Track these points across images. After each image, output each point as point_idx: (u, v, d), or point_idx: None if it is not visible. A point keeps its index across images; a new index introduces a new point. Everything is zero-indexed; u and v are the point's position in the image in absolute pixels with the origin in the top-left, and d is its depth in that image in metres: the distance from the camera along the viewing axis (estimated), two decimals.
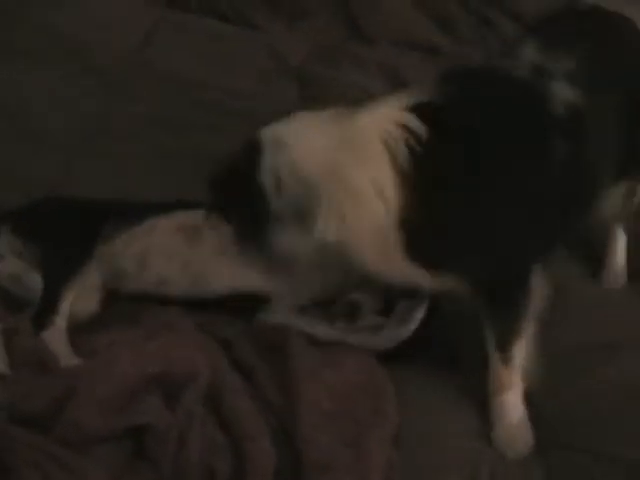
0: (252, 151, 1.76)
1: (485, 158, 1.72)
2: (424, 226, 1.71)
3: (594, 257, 2.30)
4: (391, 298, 1.96)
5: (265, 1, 3.35)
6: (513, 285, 1.81)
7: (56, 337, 1.85)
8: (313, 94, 2.89)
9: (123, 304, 2.00)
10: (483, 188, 1.73)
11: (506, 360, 1.83)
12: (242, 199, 1.77)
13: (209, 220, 1.95)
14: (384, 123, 1.72)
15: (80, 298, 1.94)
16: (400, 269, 1.76)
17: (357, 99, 1.82)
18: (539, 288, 1.82)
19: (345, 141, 1.71)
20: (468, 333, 1.92)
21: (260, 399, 1.76)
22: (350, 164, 1.70)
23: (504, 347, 1.82)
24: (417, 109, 1.73)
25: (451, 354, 1.97)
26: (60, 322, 1.87)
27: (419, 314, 1.90)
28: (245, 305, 1.98)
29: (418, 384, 1.88)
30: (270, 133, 1.77)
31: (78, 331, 1.89)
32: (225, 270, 1.99)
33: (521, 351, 1.83)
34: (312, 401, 1.73)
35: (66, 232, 2.01)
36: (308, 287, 1.98)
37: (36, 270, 1.96)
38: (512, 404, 1.84)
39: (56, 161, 2.49)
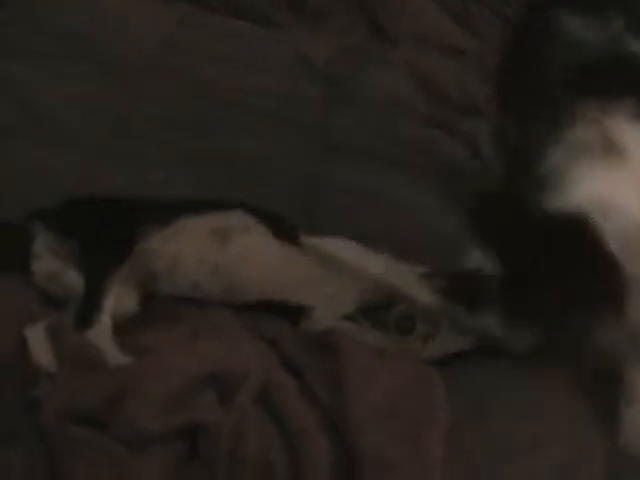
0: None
1: None
2: None
3: None
4: None
5: (288, 1, 3.34)
6: None
7: (102, 335, 1.83)
8: (339, 95, 2.90)
9: (164, 303, 1.98)
10: None
11: None
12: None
13: (240, 223, 1.97)
14: None
15: (120, 297, 1.92)
16: None
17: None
18: None
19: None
20: None
21: (311, 397, 1.75)
22: None
23: None
24: None
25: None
26: (105, 320, 1.85)
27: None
28: (287, 308, 1.97)
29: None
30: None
31: (120, 331, 1.87)
32: (253, 278, 1.97)
33: None
34: (365, 398, 1.73)
35: (104, 229, 1.99)
36: (341, 301, 1.96)
37: (73, 268, 1.94)
38: None
39: (73, 162, 2.46)
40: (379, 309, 1.93)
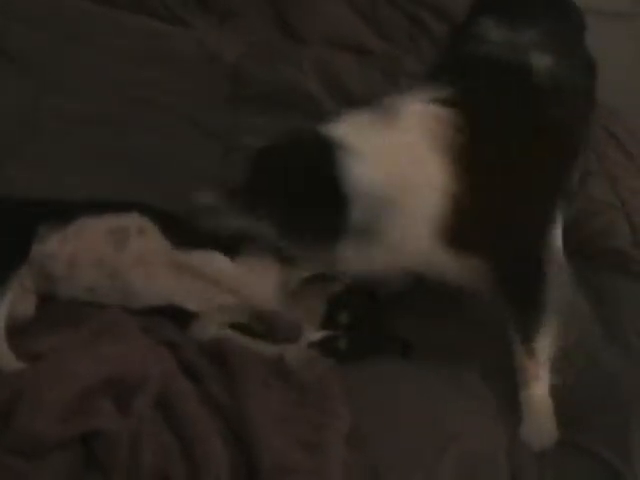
0: (318, 151, 1.82)
1: (508, 139, 1.88)
2: (469, 211, 1.81)
3: None
4: (331, 311, 1.96)
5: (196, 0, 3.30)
6: (532, 272, 1.88)
7: None
8: (247, 92, 2.87)
9: (61, 306, 1.95)
10: (510, 166, 1.87)
11: (530, 353, 1.87)
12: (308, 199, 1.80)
13: (136, 225, 1.96)
14: (427, 120, 1.85)
15: (16, 301, 1.87)
16: (438, 258, 1.84)
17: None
18: (559, 279, 1.88)
19: (402, 146, 1.83)
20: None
21: (209, 403, 1.74)
22: (410, 169, 1.81)
23: (527, 339, 1.87)
24: (444, 102, 1.88)
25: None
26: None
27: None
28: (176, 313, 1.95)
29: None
30: (336, 133, 1.83)
31: (15, 334, 1.82)
32: (146, 282, 1.95)
33: (545, 344, 1.87)
34: (262, 405, 1.73)
35: (0, 233, 1.93)
36: (229, 310, 1.96)
37: None
38: (539, 397, 1.88)
39: None
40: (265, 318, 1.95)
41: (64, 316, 1.90)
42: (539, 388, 1.89)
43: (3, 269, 1.87)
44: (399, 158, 1.82)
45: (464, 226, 1.83)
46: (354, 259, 1.83)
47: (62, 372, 1.64)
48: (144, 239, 1.97)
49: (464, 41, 2.12)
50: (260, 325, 1.97)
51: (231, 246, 1.98)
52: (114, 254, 1.95)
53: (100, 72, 2.82)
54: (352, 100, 2.90)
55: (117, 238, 1.97)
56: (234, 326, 1.94)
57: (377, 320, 2.02)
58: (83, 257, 1.94)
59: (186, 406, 1.68)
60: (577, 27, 2.22)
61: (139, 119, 2.67)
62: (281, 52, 3.08)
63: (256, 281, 1.97)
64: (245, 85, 2.92)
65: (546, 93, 1.97)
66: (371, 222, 1.79)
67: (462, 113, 1.86)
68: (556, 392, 1.91)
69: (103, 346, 1.73)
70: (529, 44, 2.00)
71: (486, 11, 2.13)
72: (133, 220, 2.00)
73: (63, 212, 2.01)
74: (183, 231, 2.01)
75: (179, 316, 1.94)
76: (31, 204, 2.05)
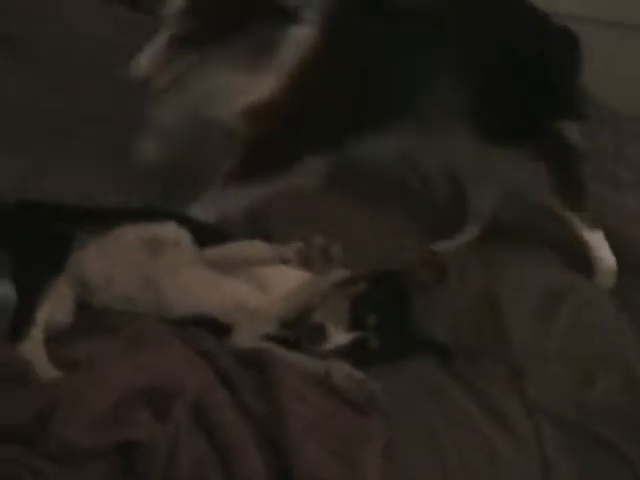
0: None
1: None
2: None
3: None
4: (357, 315, 1.93)
5: None
6: None
7: (34, 349, 1.79)
8: None
9: (97, 314, 1.95)
10: None
11: None
12: None
13: (172, 236, 1.98)
14: None
15: (53, 309, 1.88)
16: None
17: None
18: None
19: None
20: None
21: (245, 412, 1.73)
22: None
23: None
24: None
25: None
26: (37, 333, 1.81)
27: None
28: (213, 325, 1.95)
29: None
30: None
31: (52, 342, 1.83)
32: (179, 293, 1.95)
33: None
34: (299, 416, 1.72)
35: (38, 240, 1.95)
36: (263, 320, 1.95)
37: (6, 279, 1.88)
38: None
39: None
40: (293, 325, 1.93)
41: (101, 324, 1.91)
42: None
43: (41, 276, 1.88)
44: None
45: None
46: None
47: (98, 381, 1.64)
48: (179, 250, 1.98)
49: None
50: (286, 330, 1.96)
51: None
52: (149, 263, 1.96)
53: None
54: None
55: (153, 248, 1.97)
56: (270, 338, 1.93)
57: (407, 320, 1.99)
58: (120, 265, 1.95)
59: (222, 415, 1.68)
60: None
61: None
62: None
63: (282, 278, 1.97)
64: None
65: None
66: None
67: None
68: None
69: (139, 355, 1.74)
70: None
71: None
72: (169, 231, 2.00)
73: (101, 219, 2.02)
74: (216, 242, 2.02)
75: (215, 327, 1.94)
76: (70, 210, 2.06)
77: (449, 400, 1.94)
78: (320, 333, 1.89)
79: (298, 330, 1.91)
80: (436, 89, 2.22)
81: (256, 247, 1.98)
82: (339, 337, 1.90)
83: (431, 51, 2.20)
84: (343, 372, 1.84)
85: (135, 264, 1.96)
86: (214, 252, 1.98)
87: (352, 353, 1.90)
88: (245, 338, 1.92)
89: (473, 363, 2.03)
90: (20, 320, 1.81)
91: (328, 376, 1.84)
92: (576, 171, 2.39)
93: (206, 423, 1.66)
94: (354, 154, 2.26)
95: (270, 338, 1.92)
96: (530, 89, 2.28)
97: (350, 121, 2.19)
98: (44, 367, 1.74)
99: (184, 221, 2.05)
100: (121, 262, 1.96)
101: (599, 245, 2.39)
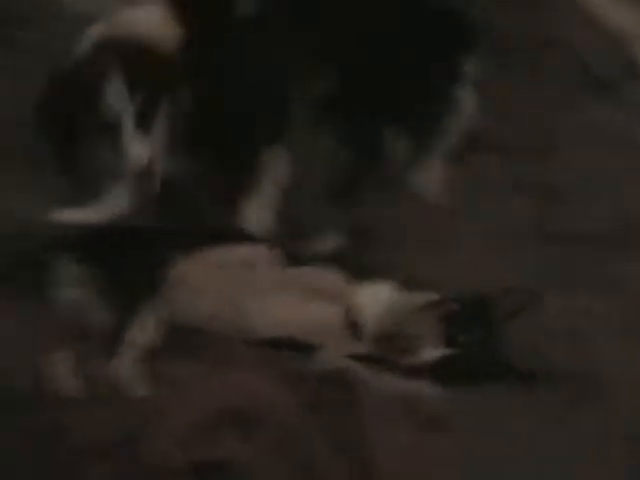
0: None
1: None
2: None
3: None
4: (447, 333, 1.95)
5: None
6: None
7: (125, 366, 1.85)
8: None
9: (186, 335, 1.97)
10: None
11: None
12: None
13: (264, 257, 2.02)
14: None
15: (144, 328, 1.93)
16: None
17: None
18: None
19: None
20: None
21: (328, 434, 1.75)
22: None
23: None
24: None
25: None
26: (129, 351, 1.87)
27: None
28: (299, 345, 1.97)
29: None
30: None
31: (142, 361, 1.88)
32: (267, 314, 1.98)
33: None
34: (386, 438, 1.74)
35: (133, 262, 2.01)
36: (350, 341, 1.97)
37: (102, 299, 1.96)
38: None
39: None
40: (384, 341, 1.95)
41: (189, 344, 1.94)
42: None
43: (134, 297, 1.94)
44: None
45: None
46: None
47: (185, 401, 1.70)
48: (269, 271, 2.01)
49: None
50: (379, 346, 1.97)
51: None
52: (237, 284, 1.99)
53: None
54: None
55: (242, 268, 2.01)
56: (357, 358, 1.94)
57: (495, 341, 1.99)
58: (207, 286, 1.99)
59: (307, 437, 1.70)
60: None
61: None
62: None
63: (367, 298, 1.99)
64: None
65: None
66: None
67: None
68: None
69: (226, 376, 1.78)
70: None
71: None
72: (260, 252, 2.04)
73: (189, 240, 2.07)
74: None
75: (301, 348, 1.96)
76: (162, 234, 2.12)
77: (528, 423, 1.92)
78: (412, 349, 1.91)
79: (390, 345, 1.93)
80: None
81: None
82: (429, 353, 1.92)
83: None
84: (429, 391, 1.85)
85: (223, 285, 1.99)
86: (299, 274, 2.01)
87: (440, 370, 1.92)
88: (330, 359, 1.93)
89: (556, 386, 2.01)
90: (113, 338, 1.88)
91: (416, 397, 1.85)
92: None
93: (291, 444, 1.69)
94: None
95: (355, 358, 1.93)
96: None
97: None
98: (134, 384, 1.80)
99: (276, 244, 2.09)
100: (208, 282, 1.99)
101: None
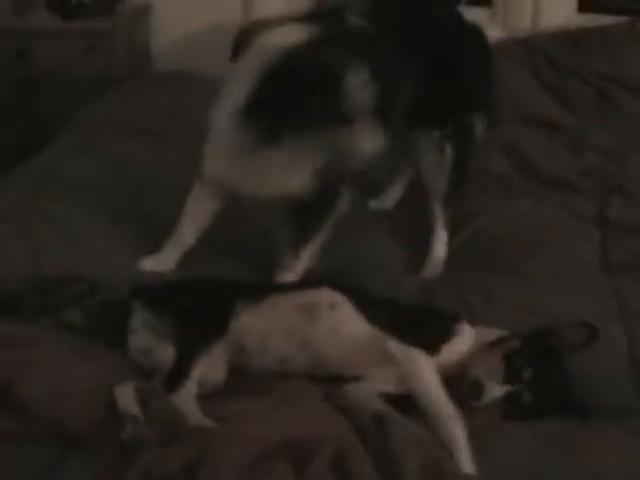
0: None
1: None
2: None
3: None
4: (511, 370, 1.97)
5: None
6: None
7: (186, 400, 1.90)
8: None
9: (248, 377, 2.05)
10: None
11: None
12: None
13: (327, 300, 2.08)
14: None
15: (208, 369, 2.00)
16: None
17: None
18: None
19: None
20: None
21: (375, 465, 1.77)
22: None
23: None
24: None
25: None
26: (190, 387, 1.93)
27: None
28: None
29: None
30: None
31: (206, 401, 1.93)
32: (337, 354, 2.03)
33: None
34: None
35: (201, 307, 2.10)
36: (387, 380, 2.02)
37: (168, 343, 2.03)
38: None
39: None
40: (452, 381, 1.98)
41: (253, 386, 2.00)
42: None
43: (202, 339, 2.02)
44: None
45: None
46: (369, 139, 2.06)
47: (241, 434, 1.72)
48: (336, 312, 2.07)
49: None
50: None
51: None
52: (306, 326, 2.06)
53: None
54: (540, 176, 2.97)
55: (308, 311, 2.07)
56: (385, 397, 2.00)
57: (558, 377, 2.00)
58: (275, 330, 2.06)
59: (360, 468, 1.72)
60: None
61: None
62: None
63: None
64: None
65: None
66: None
67: None
68: None
69: (282, 410, 1.82)
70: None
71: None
72: (324, 295, 2.10)
73: (255, 290, 2.16)
74: (375, 306, 2.11)
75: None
76: (228, 284, 2.22)
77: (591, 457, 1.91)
78: (479, 389, 1.93)
79: (458, 386, 1.96)
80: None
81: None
82: (495, 390, 1.94)
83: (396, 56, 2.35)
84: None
85: (291, 327, 2.06)
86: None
87: (505, 407, 1.95)
88: (362, 393, 1.98)
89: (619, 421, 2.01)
90: (176, 374, 1.95)
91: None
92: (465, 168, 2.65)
93: (345, 477, 1.71)
94: None
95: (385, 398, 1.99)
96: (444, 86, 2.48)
97: None
98: (195, 416, 1.86)
99: (338, 286, 2.14)
100: (277, 326, 2.06)
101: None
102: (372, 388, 2.00)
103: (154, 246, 2.52)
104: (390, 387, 2.01)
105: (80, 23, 3.72)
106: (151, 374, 2.00)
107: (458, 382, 1.96)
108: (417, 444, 1.80)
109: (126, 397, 1.85)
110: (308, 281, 2.24)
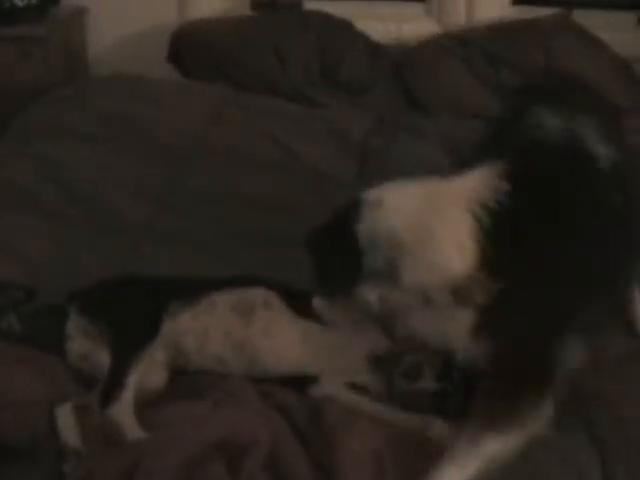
0: (351, 210, 1.90)
1: (557, 221, 1.84)
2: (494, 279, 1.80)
3: None
4: (446, 367, 1.96)
5: (324, 78, 3.42)
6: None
7: (123, 411, 1.88)
8: (373, 167, 2.93)
9: (189, 378, 2.04)
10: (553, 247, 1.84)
11: None
12: (337, 251, 1.90)
13: (261, 298, 2.06)
14: (469, 186, 1.85)
15: (147, 374, 1.98)
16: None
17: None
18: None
19: (431, 202, 1.85)
20: None
21: (314, 464, 1.78)
22: (433, 221, 1.82)
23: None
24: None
25: None
26: (127, 396, 1.90)
27: None
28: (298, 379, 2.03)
29: None
30: (370, 195, 1.90)
31: (145, 406, 1.92)
32: (274, 352, 2.03)
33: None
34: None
35: (133, 310, 2.06)
36: (350, 371, 2.00)
37: (104, 348, 2.01)
38: None
39: (122, 242, 2.57)
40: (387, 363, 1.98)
41: (191, 388, 1.98)
42: None
43: (134, 343, 1.98)
44: (422, 210, 1.85)
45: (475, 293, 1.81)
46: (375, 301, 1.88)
47: (173, 439, 1.71)
48: (270, 312, 2.07)
49: (517, 130, 2.07)
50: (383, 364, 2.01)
51: None
52: (241, 326, 2.05)
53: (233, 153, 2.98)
54: None
55: (244, 311, 2.06)
56: (356, 387, 1.98)
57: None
58: (213, 330, 2.05)
59: (294, 467, 1.72)
60: (618, 119, 2.26)
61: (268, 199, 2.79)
62: (407, 125, 3.16)
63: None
64: (370, 160, 3.00)
65: (610, 180, 1.95)
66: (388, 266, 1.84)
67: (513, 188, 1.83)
68: None
69: (215, 413, 1.81)
70: (588, 133, 1.98)
71: (537, 102, 2.12)
72: (259, 294, 2.09)
73: (192, 289, 2.12)
74: (304, 303, 2.10)
75: (297, 379, 2.01)
76: (161, 282, 2.18)
77: None
78: (416, 372, 1.95)
79: (396, 364, 1.97)
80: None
81: None
82: (428, 382, 1.95)
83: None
84: (440, 429, 1.88)
85: (228, 328, 2.05)
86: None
87: (431, 400, 1.95)
88: (329, 387, 1.97)
89: None
90: (111, 384, 1.91)
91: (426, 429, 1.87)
92: None
93: (280, 476, 1.71)
94: None
95: (354, 387, 1.98)
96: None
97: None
98: (132, 429, 1.83)
99: (273, 285, 2.12)
100: (214, 327, 2.05)
101: None
102: (338, 379, 1.99)
103: (96, 250, 2.50)
104: (354, 376, 2.00)
105: (14, 29, 3.69)
106: (92, 379, 1.98)
107: (395, 359, 1.97)
108: (359, 430, 1.81)
109: (66, 421, 1.84)
110: (243, 279, 2.18)
